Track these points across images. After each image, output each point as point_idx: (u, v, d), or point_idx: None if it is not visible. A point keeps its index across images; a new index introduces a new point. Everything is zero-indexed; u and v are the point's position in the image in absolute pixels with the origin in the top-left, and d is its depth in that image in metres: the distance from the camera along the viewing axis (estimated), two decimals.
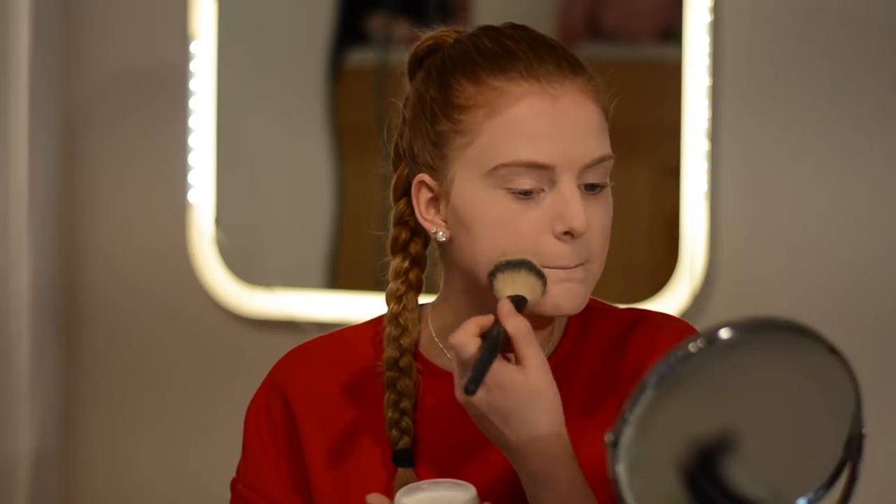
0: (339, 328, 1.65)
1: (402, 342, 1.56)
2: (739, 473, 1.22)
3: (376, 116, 3.03)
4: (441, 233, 1.52)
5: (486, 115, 1.48)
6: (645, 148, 2.78)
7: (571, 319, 1.57)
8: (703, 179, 2.67)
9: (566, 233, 1.46)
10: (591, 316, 1.58)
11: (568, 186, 1.46)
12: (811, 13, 2.61)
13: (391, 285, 1.58)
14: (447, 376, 1.48)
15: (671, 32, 2.78)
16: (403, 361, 1.55)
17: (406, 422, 1.53)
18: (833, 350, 1.22)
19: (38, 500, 3.09)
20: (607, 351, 1.56)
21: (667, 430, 1.20)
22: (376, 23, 3.11)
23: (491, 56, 1.50)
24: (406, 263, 1.59)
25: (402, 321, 1.56)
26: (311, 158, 3.13)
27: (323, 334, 1.64)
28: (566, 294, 1.47)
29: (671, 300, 2.68)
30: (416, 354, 1.57)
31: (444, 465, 1.53)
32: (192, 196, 3.04)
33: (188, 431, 3.07)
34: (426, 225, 1.53)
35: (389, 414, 1.54)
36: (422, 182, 1.53)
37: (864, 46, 2.59)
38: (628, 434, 1.18)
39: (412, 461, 1.53)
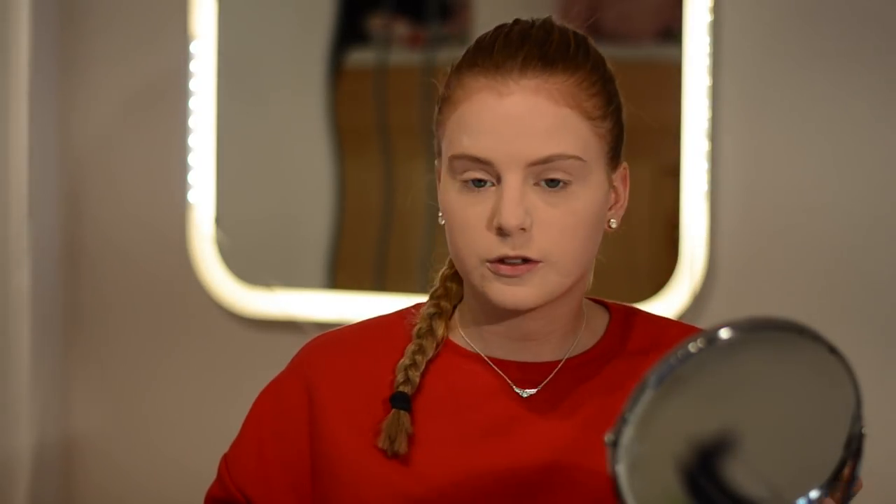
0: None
1: (441, 304, 1.59)
2: (739, 473, 1.22)
3: (376, 116, 3.02)
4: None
5: (451, 108, 1.51)
6: (645, 148, 2.78)
7: (611, 324, 1.58)
8: (703, 179, 2.67)
9: (499, 228, 1.46)
10: (636, 323, 1.59)
11: (508, 183, 1.46)
12: (811, 13, 2.61)
13: (444, 269, 1.61)
14: (466, 355, 1.54)
15: (671, 32, 2.78)
16: (437, 322, 1.57)
17: (414, 373, 1.55)
18: (833, 350, 1.22)
19: (38, 499, 3.09)
20: (639, 358, 1.56)
21: (667, 430, 1.20)
22: (376, 23, 3.11)
23: (475, 50, 1.52)
24: None
25: (441, 304, 1.59)
26: (311, 158, 3.13)
27: (349, 324, 1.65)
28: (505, 293, 1.48)
29: (671, 300, 2.68)
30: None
31: (440, 442, 1.54)
32: (192, 196, 3.04)
33: (188, 431, 3.07)
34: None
35: (405, 359, 1.56)
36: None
37: (864, 46, 2.59)
38: (628, 434, 1.18)
39: (409, 405, 1.54)
